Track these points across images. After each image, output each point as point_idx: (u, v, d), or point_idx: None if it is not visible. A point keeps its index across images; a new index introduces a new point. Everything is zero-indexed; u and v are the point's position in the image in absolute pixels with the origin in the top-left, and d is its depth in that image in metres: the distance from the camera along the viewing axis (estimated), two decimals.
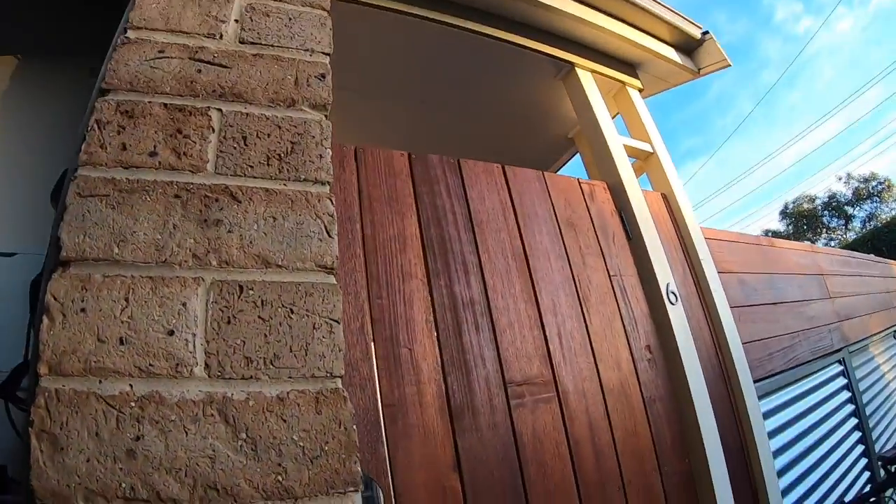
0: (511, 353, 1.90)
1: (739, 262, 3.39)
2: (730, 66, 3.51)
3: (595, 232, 2.43)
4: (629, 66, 3.36)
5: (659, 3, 3.17)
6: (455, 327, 1.82)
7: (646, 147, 3.08)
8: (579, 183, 2.54)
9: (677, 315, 2.43)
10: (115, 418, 0.70)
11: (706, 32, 3.45)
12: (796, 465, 3.25)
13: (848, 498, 3.67)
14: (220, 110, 0.95)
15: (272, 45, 1.10)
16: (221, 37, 1.04)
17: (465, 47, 2.82)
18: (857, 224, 28.37)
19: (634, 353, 2.26)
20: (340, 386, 0.85)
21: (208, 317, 0.80)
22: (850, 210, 29.31)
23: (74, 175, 0.80)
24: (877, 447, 4.35)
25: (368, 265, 1.77)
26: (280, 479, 0.75)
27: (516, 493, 1.72)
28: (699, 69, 3.54)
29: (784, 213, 31.02)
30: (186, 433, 0.73)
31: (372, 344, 1.65)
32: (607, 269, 2.37)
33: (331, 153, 1.01)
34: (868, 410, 4.47)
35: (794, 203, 31.71)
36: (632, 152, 3.01)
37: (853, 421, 4.20)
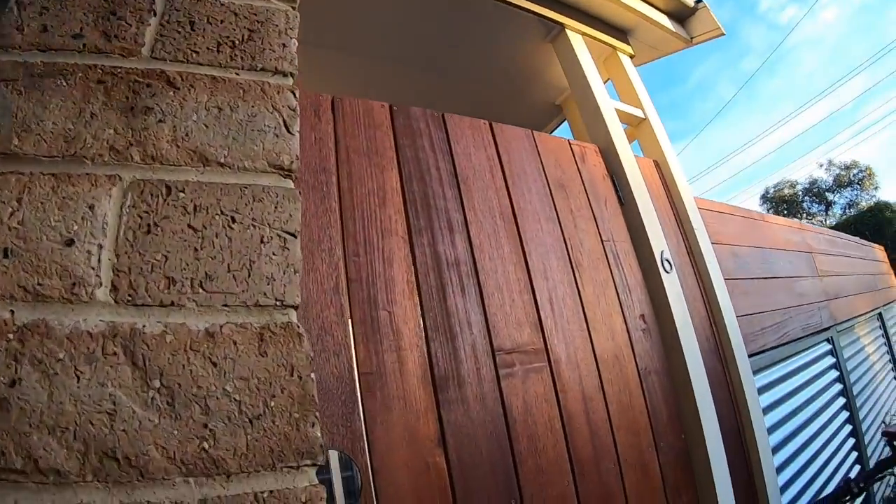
0: (500, 319, 1.77)
1: (732, 234, 3.30)
2: (723, 34, 3.41)
3: (586, 195, 2.31)
4: (621, 32, 3.24)
5: None
6: (439, 289, 1.69)
7: (637, 113, 2.97)
8: (570, 144, 2.42)
9: (672, 284, 2.32)
10: None
11: (700, 0, 3.34)
12: (790, 443, 3.20)
13: (845, 477, 3.64)
14: None
15: None
16: None
17: (447, 1, 2.66)
18: (837, 210, 28.75)
19: (629, 323, 2.15)
20: (295, 320, 0.67)
21: (122, 224, 0.62)
22: (830, 196, 29.67)
23: None
24: (863, 427, 4.34)
25: (344, 220, 1.62)
26: (206, 446, 0.57)
27: (506, 471, 1.60)
28: (692, 38, 3.43)
29: (765, 198, 31.30)
30: (78, 378, 0.55)
31: (348, 306, 1.51)
32: (599, 234, 2.25)
33: (296, 44, 0.84)
34: (855, 390, 4.45)
35: (774, 188, 32.03)
36: (623, 118, 2.89)
37: (841, 400, 4.18)
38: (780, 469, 2.94)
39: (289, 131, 0.72)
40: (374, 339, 1.52)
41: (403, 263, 1.66)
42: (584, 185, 2.32)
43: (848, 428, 4.13)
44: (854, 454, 4.08)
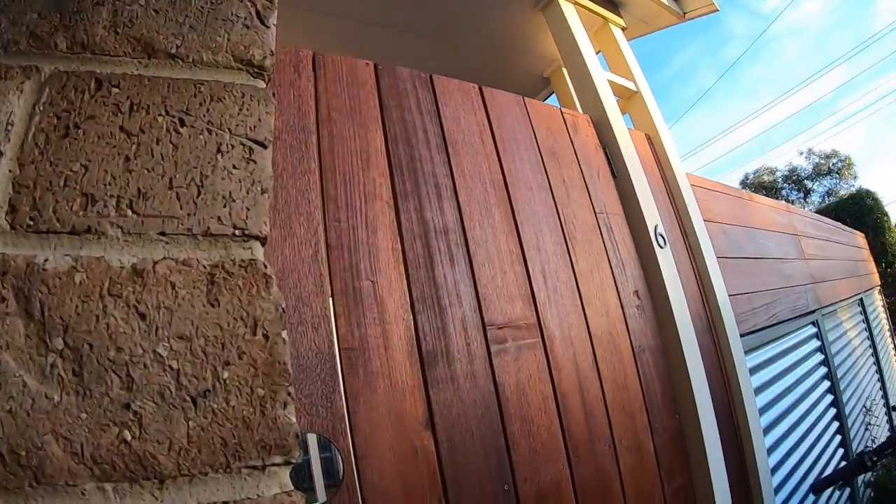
0: (491, 291, 1.67)
1: (723, 212, 3.24)
2: (717, 11, 3.33)
3: (579, 165, 2.21)
4: (612, 4, 3.14)
5: None
6: (426, 258, 1.58)
7: (629, 85, 2.88)
8: (562, 113, 2.31)
9: (666, 259, 2.24)
10: None
11: None
12: (779, 425, 3.17)
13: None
14: None
15: None
16: None
17: None
18: (815, 198, 29.05)
19: (623, 299, 2.07)
20: (261, 257, 0.50)
21: (33, 125, 0.46)
22: (809, 184, 29.94)
23: None
24: (846, 410, 4.35)
25: (325, 183, 1.50)
26: (128, 437, 0.40)
27: (498, 454, 1.50)
28: (684, 13, 3.35)
29: (744, 184, 31.47)
30: None
31: (328, 275, 1.39)
32: (593, 206, 2.16)
33: None
34: (839, 374, 4.46)
35: (754, 174, 32.19)
36: (615, 90, 2.80)
37: (826, 383, 4.18)
38: (770, 450, 2.90)
39: (263, 23, 0.55)
40: (357, 312, 1.40)
41: (388, 230, 1.55)
42: (576, 155, 2.23)
43: (832, 411, 4.14)
44: (838, 437, 4.09)
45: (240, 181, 0.50)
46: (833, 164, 29.61)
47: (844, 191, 25.11)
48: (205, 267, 0.47)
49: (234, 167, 0.51)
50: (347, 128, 1.62)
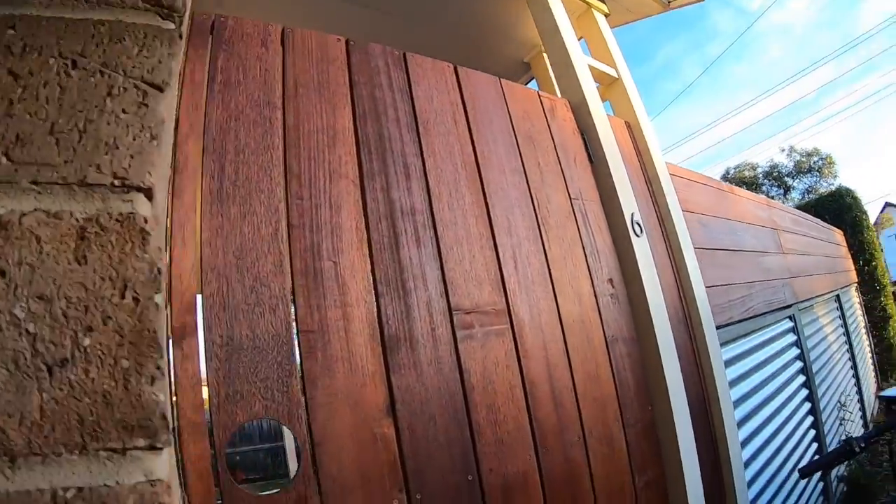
0: (458, 275, 1.62)
1: (702, 203, 3.22)
2: (702, 0, 3.31)
3: (555, 150, 2.16)
4: None
5: None
6: (392, 239, 1.52)
7: (610, 71, 2.84)
8: (539, 96, 2.26)
9: (642, 248, 2.21)
10: None
11: None
12: (754, 417, 3.17)
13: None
14: None
15: None
16: None
17: None
18: (795, 195, 29.41)
19: (596, 287, 2.03)
20: (144, 212, 0.43)
21: None
22: (790, 181, 30.30)
23: None
24: (821, 405, 4.38)
25: (288, 159, 1.44)
26: None
27: (463, 442, 1.46)
28: (669, 1, 3.31)
29: (725, 179, 31.69)
30: None
31: (288, 254, 1.33)
32: (568, 191, 2.11)
33: None
34: (814, 368, 4.49)
35: (735, 169, 32.49)
36: (596, 76, 2.75)
37: (801, 378, 4.22)
38: (742, 444, 2.90)
39: None
40: (317, 293, 1.35)
41: (353, 209, 1.49)
42: (553, 139, 2.18)
43: (807, 405, 4.17)
44: (812, 432, 4.12)
45: (127, 126, 0.44)
46: (814, 162, 30.02)
47: (825, 189, 25.44)
48: (77, 220, 0.41)
49: (124, 111, 0.44)
50: (314, 104, 1.56)
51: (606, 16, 3.10)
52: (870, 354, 8.10)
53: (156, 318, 0.39)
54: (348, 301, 1.38)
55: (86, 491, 0.35)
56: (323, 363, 1.30)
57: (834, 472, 4.34)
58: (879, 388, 7.30)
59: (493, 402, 1.55)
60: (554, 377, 1.74)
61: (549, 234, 1.94)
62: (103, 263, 0.40)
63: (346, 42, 1.72)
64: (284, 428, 1.21)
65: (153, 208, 0.44)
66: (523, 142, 2.04)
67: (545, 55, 3.39)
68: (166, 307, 1.13)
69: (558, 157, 2.15)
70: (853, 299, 7.73)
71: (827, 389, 4.82)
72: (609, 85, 2.90)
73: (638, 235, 2.21)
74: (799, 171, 30.26)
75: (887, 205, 37.85)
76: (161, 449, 0.37)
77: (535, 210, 1.94)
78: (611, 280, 2.11)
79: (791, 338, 4.22)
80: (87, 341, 0.38)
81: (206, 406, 1.15)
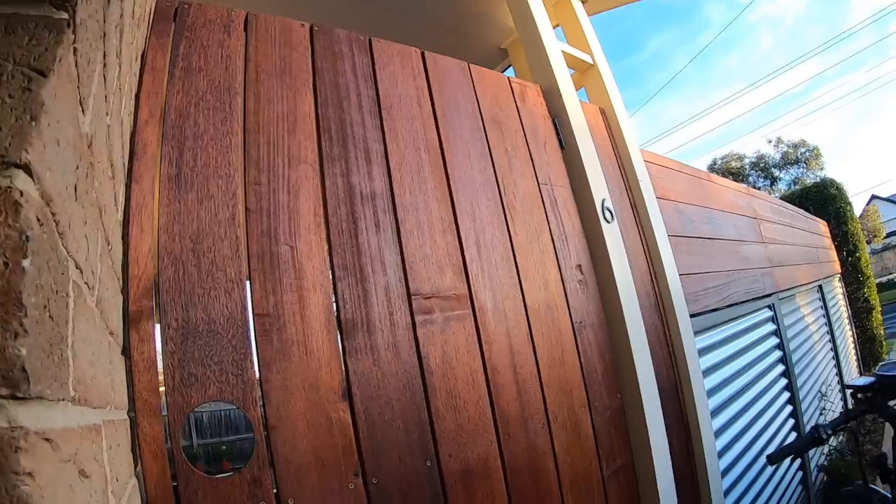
0: (418, 260, 1.61)
1: (678, 190, 3.24)
2: None
3: (524, 135, 2.16)
4: None
5: None
6: (350, 223, 1.52)
7: (586, 58, 2.84)
8: (509, 81, 2.26)
9: (612, 234, 2.22)
10: None
11: None
12: (729, 406, 3.20)
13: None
14: None
15: None
16: None
17: None
18: (782, 186, 29.66)
19: (564, 273, 2.03)
20: (23, 187, 0.42)
21: None
22: (776, 172, 30.56)
23: None
24: (801, 395, 4.42)
25: (247, 145, 1.43)
26: None
27: (421, 427, 1.46)
28: None
29: (712, 169, 31.88)
30: None
31: (244, 238, 1.33)
32: (536, 177, 2.11)
33: None
34: (794, 358, 4.53)
35: (722, 160, 32.68)
36: (571, 62, 2.76)
37: (781, 367, 4.24)
38: (718, 433, 2.92)
39: None
40: (273, 277, 1.34)
41: (312, 194, 1.48)
42: (522, 124, 2.18)
43: (786, 395, 4.20)
44: (791, 421, 4.16)
45: (11, 110, 0.43)
46: (801, 154, 30.28)
47: (811, 180, 25.66)
48: None
49: (10, 96, 0.43)
50: (276, 89, 1.55)
51: (584, 2, 3.10)
52: (852, 345, 8.19)
53: (20, 281, 0.39)
54: (305, 285, 1.38)
55: None
56: (278, 347, 1.29)
57: (814, 462, 4.38)
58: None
59: (453, 388, 1.55)
60: (518, 363, 1.75)
61: (515, 220, 1.94)
62: None
63: (311, 27, 1.71)
64: (241, 412, 1.21)
65: (37, 184, 0.43)
66: (491, 126, 2.04)
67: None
68: (122, 291, 1.13)
69: (527, 143, 2.16)
70: (836, 290, 7.81)
71: (807, 379, 4.86)
72: (585, 72, 2.90)
73: (609, 222, 2.22)
74: (786, 162, 30.52)
75: (873, 197, 38.33)
76: (24, 399, 0.37)
77: (500, 195, 1.94)
78: (579, 266, 2.12)
79: (770, 327, 4.25)
80: None
81: (162, 388, 1.15)
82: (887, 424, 4.42)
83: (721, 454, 2.88)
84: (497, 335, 1.72)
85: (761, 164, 31.10)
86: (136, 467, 1.05)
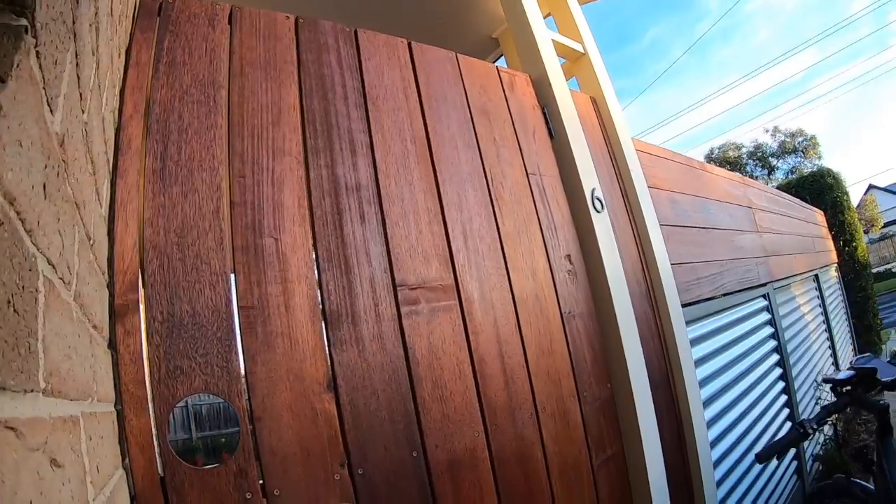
0: (404, 250, 1.63)
1: (671, 180, 3.25)
2: None
3: (513, 124, 2.17)
4: None
5: None
6: (335, 215, 1.53)
7: (577, 46, 2.85)
8: (498, 70, 2.27)
9: (602, 224, 2.23)
10: None
11: None
12: (723, 396, 3.22)
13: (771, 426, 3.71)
14: None
15: None
16: None
17: None
18: (779, 175, 29.66)
19: (553, 263, 2.05)
20: None
21: None
22: (774, 162, 30.56)
23: None
24: (796, 385, 4.45)
25: (232, 138, 1.45)
26: None
27: (407, 418, 1.48)
28: None
29: (709, 158, 31.83)
30: None
31: (229, 231, 1.34)
32: (525, 167, 2.13)
33: None
34: (789, 348, 4.55)
35: (720, 149, 32.65)
36: (561, 51, 2.77)
37: (775, 357, 4.26)
38: (711, 423, 2.94)
39: None
40: (257, 270, 1.36)
41: (296, 186, 1.50)
42: (510, 114, 2.19)
43: (781, 385, 4.22)
44: (786, 411, 4.18)
45: None
46: (798, 143, 30.28)
47: (809, 169, 25.69)
48: None
49: None
50: (260, 82, 1.57)
51: None
52: (849, 334, 8.23)
53: None
54: (289, 277, 1.39)
55: None
56: (263, 339, 1.31)
57: (809, 451, 4.42)
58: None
59: (439, 379, 1.57)
60: (505, 353, 1.77)
61: (503, 210, 1.96)
62: None
63: (296, 19, 1.72)
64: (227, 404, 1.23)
65: None
66: (478, 117, 2.05)
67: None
68: (108, 286, 1.15)
69: (516, 132, 2.17)
70: (833, 279, 7.84)
71: (802, 369, 4.89)
72: (576, 61, 2.91)
73: (598, 211, 2.23)
74: (783, 151, 30.53)
75: (871, 187, 38.40)
76: None
77: (488, 185, 1.95)
78: (568, 256, 2.13)
79: (765, 316, 4.27)
80: None
81: (148, 381, 1.17)
82: None
83: (713, 444, 2.91)
84: (484, 325, 1.74)
85: (758, 154, 31.10)
86: (123, 459, 1.07)
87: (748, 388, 3.61)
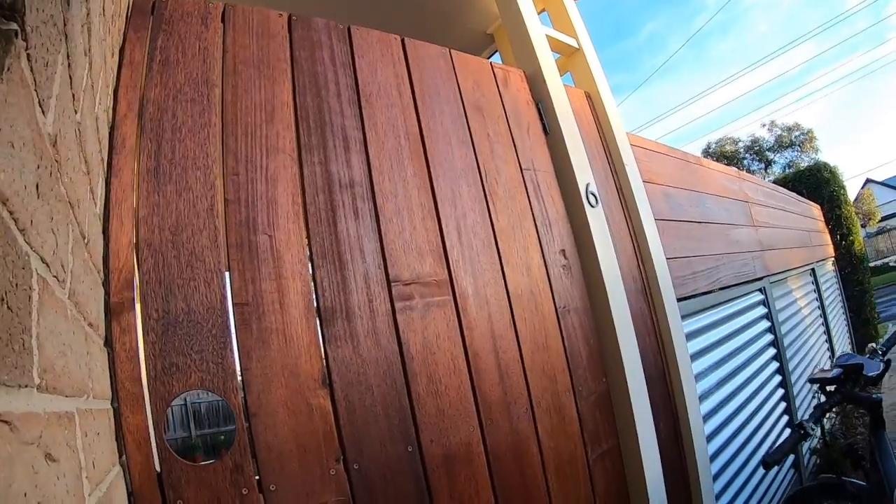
0: (398, 247, 1.64)
1: (666, 174, 3.26)
2: None
3: (507, 120, 2.18)
4: None
5: None
6: (329, 212, 1.54)
7: (571, 42, 2.85)
8: (492, 66, 2.28)
9: (597, 219, 2.24)
10: None
11: None
12: (720, 390, 3.23)
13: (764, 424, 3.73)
14: None
15: None
16: None
17: None
18: (776, 170, 29.77)
19: (547, 258, 2.06)
20: None
21: None
22: (771, 156, 30.62)
23: None
24: (792, 378, 4.46)
25: (225, 136, 1.46)
26: None
27: (402, 413, 1.50)
28: None
29: (706, 153, 31.87)
30: None
31: (223, 229, 1.36)
32: (519, 162, 2.14)
33: None
34: (786, 342, 4.57)
35: (717, 143, 32.68)
36: (556, 46, 2.77)
37: (772, 351, 4.28)
38: (707, 417, 2.96)
39: None
40: (252, 267, 1.37)
41: (290, 183, 1.51)
42: (504, 109, 2.20)
43: (777, 378, 4.24)
44: (783, 405, 4.20)
45: None
46: (795, 137, 30.33)
47: (806, 163, 25.74)
48: None
49: None
50: (253, 80, 1.58)
51: None
52: (846, 328, 8.26)
53: None
54: (283, 274, 1.40)
55: None
56: (257, 335, 1.33)
57: (806, 445, 4.44)
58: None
59: (433, 374, 1.58)
60: (500, 349, 1.78)
61: (497, 205, 1.97)
62: None
63: (289, 17, 1.73)
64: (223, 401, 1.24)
65: None
66: (472, 112, 2.06)
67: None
68: (103, 284, 1.16)
69: (510, 128, 2.18)
70: (830, 273, 7.87)
71: (800, 362, 4.91)
72: (570, 56, 2.92)
73: (593, 206, 2.25)
74: (780, 145, 30.59)
75: (868, 181, 38.46)
76: None
77: (482, 181, 1.96)
78: (563, 251, 2.15)
79: (761, 310, 4.29)
80: None
81: (144, 378, 1.18)
82: None
83: (710, 438, 2.92)
84: (479, 321, 1.75)
85: (755, 148, 31.15)
86: (120, 456, 1.08)
87: (745, 382, 3.62)
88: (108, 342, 1.14)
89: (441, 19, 3.43)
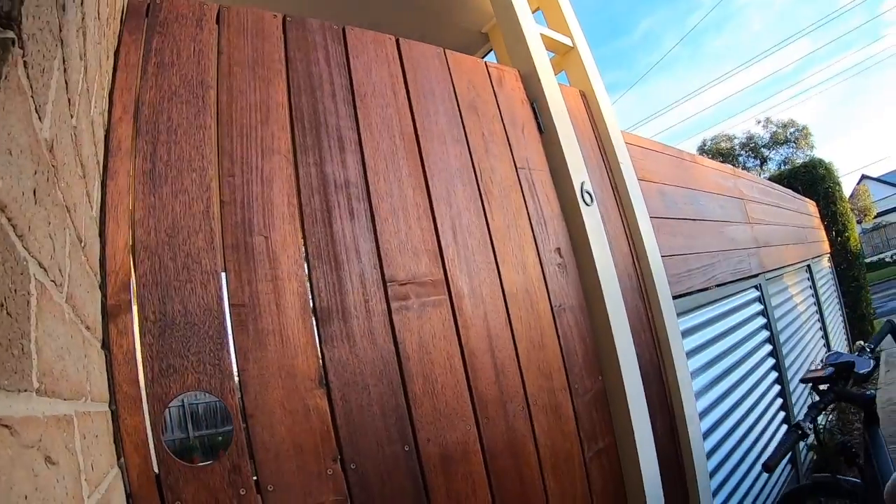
0: (394, 247, 1.65)
1: (661, 172, 3.27)
2: None
3: (502, 119, 2.19)
4: None
5: None
6: (324, 212, 1.55)
7: (565, 41, 2.86)
8: (486, 65, 2.28)
9: (592, 217, 2.25)
10: None
11: None
12: (715, 387, 3.24)
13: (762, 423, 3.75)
14: None
15: None
16: None
17: None
18: (772, 166, 29.91)
19: (542, 256, 2.07)
20: None
21: None
22: (766, 152, 30.77)
23: None
24: (789, 375, 4.48)
25: (221, 138, 1.47)
26: None
27: (398, 412, 1.50)
28: None
29: (702, 150, 31.97)
30: None
31: (219, 231, 1.36)
32: (514, 161, 2.15)
33: None
34: (782, 338, 4.58)
35: (712, 140, 32.83)
36: (550, 45, 2.78)
37: (768, 347, 4.29)
38: (703, 414, 2.97)
39: None
40: (248, 268, 1.38)
41: (285, 185, 1.51)
42: (499, 108, 2.21)
43: (773, 375, 4.25)
44: (779, 401, 4.22)
45: None
46: (790, 134, 30.45)
47: (801, 160, 25.81)
48: None
49: None
50: (248, 81, 1.58)
51: None
52: (842, 324, 8.29)
53: None
54: (279, 274, 1.41)
55: None
56: (254, 336, 1.33)
57: (802, 443, 4.45)
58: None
59: (430, 373, 1.59)
60: (496, 347, 1.79)
61: (492, 204, 1.98)
62: None
63: (283, 18, 1.74)
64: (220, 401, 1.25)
65: None
66: (467, 112, 2.07)
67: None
68: (100, 287, 1.16)
69: (505, 127, 2.19)
70: (825, 269, 7.89)
71: (796, 359, 4.92)
72: (565, 54, 2.92)
73: (588, 204, 2.26)
74: (775, 142, 30.71)
75: (863, 177, 38.59)
76: None
77: (477, 180, 1.97)
78: (558, 249, 2.16)
79: (757, 307, 4.30)
80: None
81: (142, 380, 1.19)
82: None
83: (706, 435, 2.94)
84: (474, 320, 1.76)
85: (751, 145, 31.25)
86: (119, 458, 1.09)
87: (741, 379, 3.63)
88: (106, 345, 1.14)
89: (435, 19, 3.43)
